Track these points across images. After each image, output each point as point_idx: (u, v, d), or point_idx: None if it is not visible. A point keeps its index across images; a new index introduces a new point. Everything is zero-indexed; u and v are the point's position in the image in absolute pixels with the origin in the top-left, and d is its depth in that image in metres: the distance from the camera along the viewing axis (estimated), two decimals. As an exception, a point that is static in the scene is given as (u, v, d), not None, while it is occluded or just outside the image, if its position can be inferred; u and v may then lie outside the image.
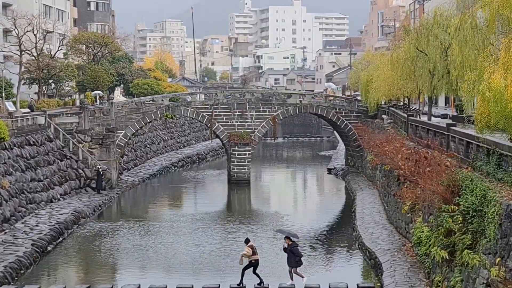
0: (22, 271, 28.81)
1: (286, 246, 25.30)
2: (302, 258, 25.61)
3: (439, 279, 21.84)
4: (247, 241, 25.56)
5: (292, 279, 25.06)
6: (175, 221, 40.89)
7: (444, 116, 44.31)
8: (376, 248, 30.04)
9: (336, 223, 41.02)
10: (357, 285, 24.64)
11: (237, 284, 24.72)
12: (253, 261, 24.88)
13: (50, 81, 66.96)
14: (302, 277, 25.09)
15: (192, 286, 24.65)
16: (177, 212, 45.59)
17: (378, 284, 25.56)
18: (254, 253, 24.88)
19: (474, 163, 24.47)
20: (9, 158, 39.54)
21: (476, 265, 18.50)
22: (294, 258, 25.06)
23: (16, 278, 27.74)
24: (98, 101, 58.61)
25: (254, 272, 24.91)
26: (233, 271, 27.61)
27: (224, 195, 53.44)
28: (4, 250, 30.25)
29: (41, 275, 29.54)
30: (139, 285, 24.67)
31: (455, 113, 43.11)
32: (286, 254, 25.43)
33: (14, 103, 52.82)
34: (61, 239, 35.12)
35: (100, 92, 64.54)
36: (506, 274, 16.61)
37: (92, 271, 30.55)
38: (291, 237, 25.56)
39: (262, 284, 24.75)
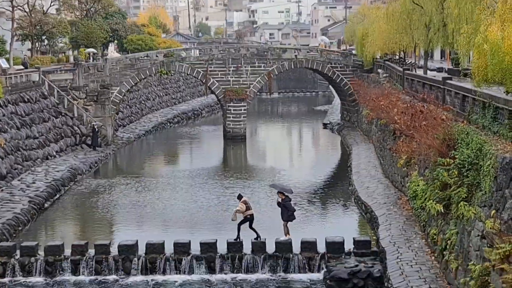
0: (20, 228, 28.97)
1: (280, 201, 25.36)
2: (295, 213, 25.66)
3: (435, 232, 21.97)
4: (239, 197, 25.58)
5: (287, 233, 25.18)
6: (171, 177, 41.01)
7: (440, 70, 44.09)
8: (372, 202, 30.18)
9: (332, 178, 41.21)
10: (353, 238, 24.75)
11: (234, 239, 24.85)
12: (248, 216, 24.96)
13: (43, 37, 66.33)
14: (288, 234, 25.14)
15: (189, 241, 24.78)
16: (174, 168, 45.71)
17: (374, 237, 25.72)
18: (248, 208, 24.93)
19: (470, 117, 24.43)
20: (3, 115, 39.41)
21: (471, 217, 18.60)
22: (287, 212, 25.13)
23: (14, 235, 27.89)
24: (91, 58, 58.06)
25: (250, 227, 25.02)
26: (230, 227, 27.74)
27: (220, 150, 53.51)
28: (1, 207, 30.39)
29: (38, 231, 29.74)
30: (137, 241, 24.79)
31: (451, 67, 42.87)
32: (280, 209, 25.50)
33: (7, 60, 52.34)
34: (57, 196, 35.26)
35: (93, 50, 63.97)
36: (501, 226, 16.72)
37: (89, 228, 30.74)
38: (284, 192, 25.59)
39: (259, 239, 24.88)
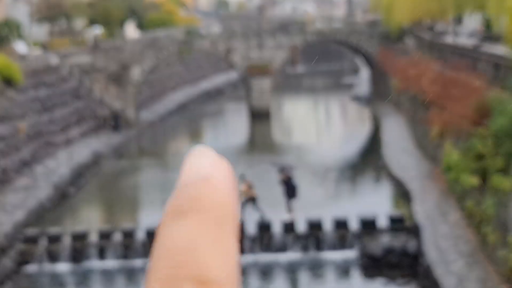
0: (45, 215, 28.84)
1: (283, 178, 24.76)
2: (298, 190, 25.13)
3: (471, 204, 21.47)
4: (242, 177, 25.03)
5: (290, 211, 24.63)
6: None
7: (471, 36, 42.94)
8: (404, 175, 29.75)
9: (362, 152, 40.71)
10: (387, 214, 24.30)
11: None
12: (251, 197, 24.45)
13: (61, 19, 66.04)
14: (291, 212, 24.61)
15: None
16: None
17: (408, 212, 25.17)
18: (249, 187, 24.44)
19: (504, 84, 23.67)
20: (24, 100, 39.18)
21: (507, 189, 18.01)
22: (289, 189, 24.67)
23: (39, 222, 27.69)
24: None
25: (255, 206, 24.49)
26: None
27: (244, 128, 52.89)
28: (26, 194, 30.25)
29: (63, 218, 29.70)
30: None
31: (482, 32, 41.74)
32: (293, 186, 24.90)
33: (26, 43, 52.10)
34: (81, 180, 35.03)
35: (98, 30, 63.43)
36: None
37: (114, 212, 30.66)
38: (286, 169, 25.10)
39: (263, 218, 24.35)
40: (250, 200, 24.55)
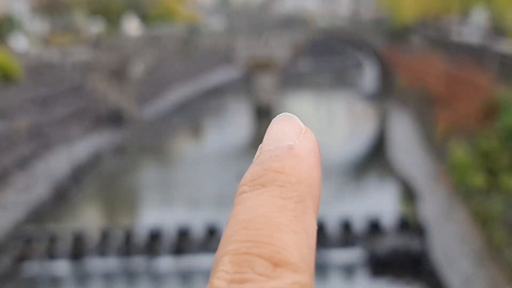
0: (44, 212, 28.74)
1: None
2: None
3: (478, 203, 21.23)
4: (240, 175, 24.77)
5: None
6: (198, 154, 40.61)
7: (477, 33, 42.68)
8: (410, 174, 29.53)
9: (367, 149, 40.59)
10: (393, 213, 24.07)
11: None
12: None
13: (62, 16, 65.96)
14: None
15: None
16: (200, 145, 45.30)
17: (414, 211, 24.92)
18: None
19: (510, 81, 23.45)
20: (24, 98, 39.12)
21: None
22: None
23: (38, 219, 27.57)
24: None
25: None
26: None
27: (247, 125, 52.68)
28: (25, 192, 30.17)
29: (63, 215, 29.60)
30: (165, 222, 24.15)
31: (489, 29, 41.52)
32: None
33: (27, 40, 52.01)
34: (82, 178, 34.97)
35: (99, 26, 63.31)
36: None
37: (116, 210, 30.61)
38: None
39: None
40: None
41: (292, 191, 0.68)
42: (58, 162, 35.99)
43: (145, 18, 77.82)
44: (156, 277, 22.96)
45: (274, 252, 0.64)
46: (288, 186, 0.68)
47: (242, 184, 0.72)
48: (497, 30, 36.25)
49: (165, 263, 23.24)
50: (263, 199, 0.68)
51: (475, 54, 30.55)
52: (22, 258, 23.66)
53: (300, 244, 0.66)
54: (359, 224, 23.61)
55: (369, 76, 66.90)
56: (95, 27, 62.66)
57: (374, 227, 23.35)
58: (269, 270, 0.63)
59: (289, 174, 0.69)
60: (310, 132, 0.76)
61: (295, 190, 0.68)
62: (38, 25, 63.55)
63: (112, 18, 67.98)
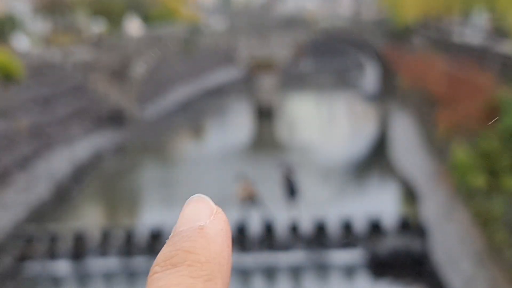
0: (45, 211, 28.74)
1: (287, 178, 24.81)
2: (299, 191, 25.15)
3: (479, 204, 21.18)
4: (240, 175, 24.99)
5: (293, 209, 24.52)
6: (199, 154, 40.67)
7: (479, 34, 42.72)
8: (412, 173, 29.60)
9: (369, 149, 40.60)
10: (394, 213, 24.07)
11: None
12: (251, 195, 24.35)
13: (64, 15, 66.01)
14: (295, 210, 24.55)
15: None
16: (201, 145, 45.32)
17: (416, 211, 24.94)
18: (248, 186, 24.50)
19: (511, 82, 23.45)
20: (25, 97, 39.17)
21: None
22: (290, 190, 24.60)
23: (40, 219, 27.54)
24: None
25: (256, 204, 24.39)
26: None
27: (249, 125, 52.70)
28: (26, 191, 30.14)
29: (64, 215, 29.57)
30: (166, 222, 24.20)
31: (490, 30, 41.53)
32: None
33: (29, 39, 52.09)
34: (83, 177, 34.99)
35: (100, 26, 63.35)
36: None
37: (116, 210, 30.65)
38: (289, 170, 25.13)
39: (267, 213, 24.16)
40: (250, 198, 24.33)
41: (202, 270, 0.70)
42: (59, 162, 36.03)
43: (146, 18, 77.88)
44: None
45: None
46: (197, 265, 0.70)
47: (155, 265, 0.73)
48: (498, 31, 36.26)
49: None
50: (174, 279, 0.69)
51: (477, 55, 30.58)
52: (23, 257, 23.62)
53: None
54: (360, 225, 23.57)
55: (370, 77, 66.89)
56: (97, 27, 62.71)
57: (375, 228, 23.33)
58: None
59: (199, 253, 0.71)
60: (221, 212, 0.80)
61: (205, 269, 0.70)
62: (39, 25, 63.59)
63: (114, 18, 68.02)
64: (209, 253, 0.72)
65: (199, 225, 0.76)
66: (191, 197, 0.81)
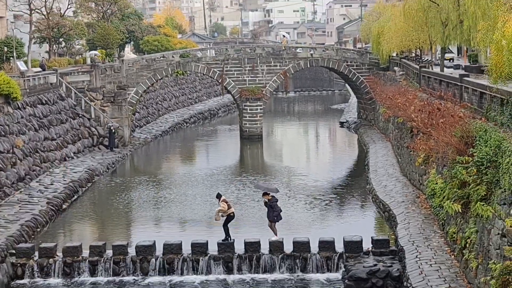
0: (38, 229, 29.01)
1: (267, 201, 24.91)
2: (281, 213, 25.13)
3: (454, 230, 21.72)
4: (218, 196, 25.04)
5: (276, 234, 24.94)
6: (188, 177, 41.03)
7: (457, 67, 43.82)
8: (389, 200, 29.95)
9: (349, 176, 41.01)
10: (372, 237, 24.59)
11: (223, 240, 24.63)
12: (231, 214, 24.71)
13: (61, 39, 66.68)
14: (275, 234, 24.84)
15: (207, 241, 24.77)
16: (190, 168, 45.73)
17: (393, 236, 25.54)
18: (229, 206, 24.64)
19: (488, 114, 24.21)
20: (22, 117, 39.63)
21: (490, 216, 18.37)
22: (272, 212, 24.75)
23: (32, 236, 27.91)
24: (93, 61, 57.63)
25: (225, 225, 24.64)
26: (248, 226, 27.76)
27: (236, 150, 53.45)
28: (20, 209, 30.46)
29: (57, 233, 29.74)
30: (154, 242, 24.83)
31: (467, 64, 42.61)
32: (271, 208, 24.90)
33: (26, 62, 52.69)
34: (75, 197, 35.35)
35: (96, 52, 64.05)
36: (521, 224, 16.51)
37: (107, 228, 30.81)
38: (270, 192, 25.21)
39: (229, 239, 24.57)
40: (230, 218, 24.82)
41: None
42: (53, 180, 36.50)
43: (140, 45, 78.80)
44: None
45: None
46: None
47: None
48: (475, 64, 37.41)
49: (154, 282, 23.56)
50: None
51: (455, 87, 31.35)
52: (15, 274, 23.82)
53: None
54: (339, 248, 24.06)
55: (353, 105, 67.84)
56: (92, 53, 63.48)
57: (354, 250, 23.73)
58: None
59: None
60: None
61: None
62: (37, 48, 64.26)
63: (110, 45, 68.87)
64: None
65: None
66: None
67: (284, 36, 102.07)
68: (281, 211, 25.12)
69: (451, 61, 48.06)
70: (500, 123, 22.22)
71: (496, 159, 19.21)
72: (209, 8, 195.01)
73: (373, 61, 56.89)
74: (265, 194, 25.14)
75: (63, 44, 69.05)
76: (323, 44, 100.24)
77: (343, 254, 23.97)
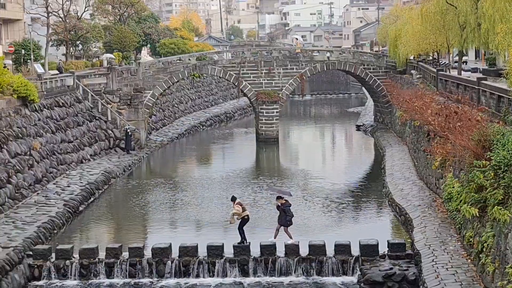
0: (55, 231, 29.14)
1: (279, 205, 24.85)
2: (293, 219, 25.07)
3: (471, 234, 21.62)
4: (233, 199, 25.10)
5: (275, 236, 24.84)
6: (204, 179, 41.11)
7: (474, 70, 43.61)
8: (406, 204, 29.87)
9: (365, 180, 40.89)
10: (388, 241, 24.51)
11: (239, 243, 24.62)
12: (246, 217, 24.68)
13: (78, 42, 67.08)
14: (291, 238, 24.80)
15: (223, 244, 24.79)
16: (206, 171, 45.80)
17: (409, 240, 25.44)
18: (243, 209, 24.65)
19: (506, 117, 24.09)
20: (39, 120, 39.87)
21: (507, 220, 18.24)
22: (285, 217, 24.70)
23: (49, 238, 28.05)
24: (109, 63, 57.89)
25: (241, 228, 24.67)
26: (264, 229, 27.73)
27: (252, 153, 53.49)
28: (37, 211, 30.63)
29: (73, 235, 29.90)
30: (170, 244, 24.89)
31: (485, 67, 42.37)
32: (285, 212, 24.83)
33: (43, 65, 53.02)
34: (92, 199, 35.51)
35: (111, 55, 64.34)
36: (539, 228, 16.38)
37: (123, 230, 30.93)
38: (283, 196, 25.19)
39: (244, 242, 24.56)
40: (244, 221, 24.82)
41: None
42: (70, 182, 36.70)
43: (157, 48, 79.08)
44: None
45: None
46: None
47: None
48: (493, 67, 37.22)
49: (170, 284, 23.57)
50: None
51: (473, 90, 31.28)
52: (32, 275, 23.94)
53: None
54: (355, 251, 24.01)
55: (370, 109, 67.65)
56: (108, 56, 63.77)
57: (370, 254, 23.66)
58: None
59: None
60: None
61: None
62: (55, 51, 64.62)
63: (127, 48, 69.19)
64: None
65: None
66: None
67: (297, 39, 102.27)
68: (292, 216, 25.06)
69: (465, 63, 47.87)
70: (518, 127, 22.06)
71: (514, 163, 19.07)
72: (225, 11, 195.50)
73: (390, 64, 56.75)
74: (278, 198, 25.10)
75: (80, 46, 69.45)
76: (340, 47, 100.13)
77: (359, 257, 23.91)
